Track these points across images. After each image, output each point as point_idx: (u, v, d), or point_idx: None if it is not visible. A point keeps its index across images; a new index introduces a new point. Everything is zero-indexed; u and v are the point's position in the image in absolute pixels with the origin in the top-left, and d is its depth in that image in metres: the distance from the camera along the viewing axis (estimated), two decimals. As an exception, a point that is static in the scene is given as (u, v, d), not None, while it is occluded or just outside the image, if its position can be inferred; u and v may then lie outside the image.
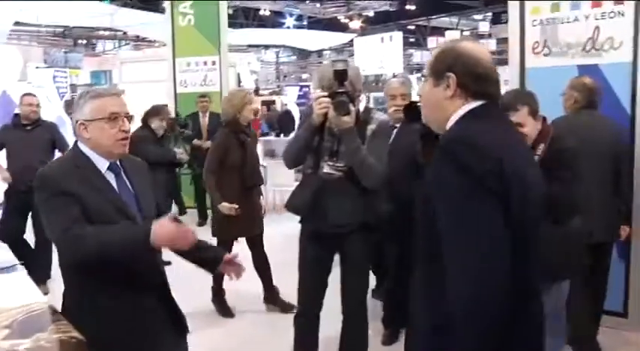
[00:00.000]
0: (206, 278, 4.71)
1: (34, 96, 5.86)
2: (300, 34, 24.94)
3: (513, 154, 1.72)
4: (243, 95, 4.87)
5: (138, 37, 24.63)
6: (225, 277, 2.74)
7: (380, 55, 22.18)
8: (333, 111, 2.88)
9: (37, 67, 16.76)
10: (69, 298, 2.20)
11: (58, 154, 5.62)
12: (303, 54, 31.98)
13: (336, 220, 3.13)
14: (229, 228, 4.65)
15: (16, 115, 5.79)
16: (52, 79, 12.77)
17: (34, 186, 2.20)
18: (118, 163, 2.32)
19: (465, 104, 1.78)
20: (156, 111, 6.02)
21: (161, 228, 2.05)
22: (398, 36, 22.25)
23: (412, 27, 26.91)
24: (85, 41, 27.95)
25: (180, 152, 6.30)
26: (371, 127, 3.11)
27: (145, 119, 6.08)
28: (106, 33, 26.25)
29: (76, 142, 2.31)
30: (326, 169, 3.10)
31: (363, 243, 3.20)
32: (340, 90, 2.85)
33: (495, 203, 1.62)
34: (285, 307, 4.87)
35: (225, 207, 4.56)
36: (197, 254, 2.51)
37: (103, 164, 2.26)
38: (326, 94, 2.91)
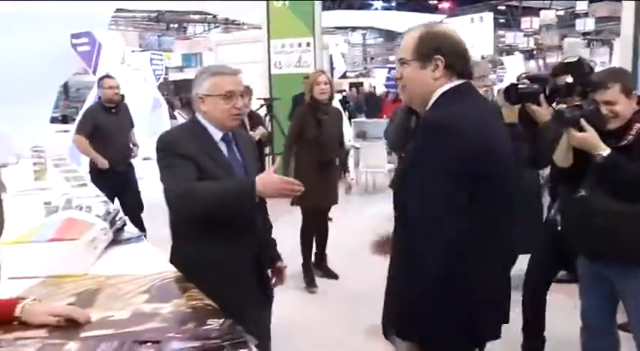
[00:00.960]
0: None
1: (114, 78, 6.04)
2: (388, 15, 24.73)
3: (491, 132, 1.89)
4: (312, 74, 5.22)
5: (227, 19, 25.09)
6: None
7: (469, 37, 21.66)
8: None
9: (132, 51, 17.40)
10: (175, 256, 2.42)
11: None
12: (390, 36, 31.69)
13: None
14: (303, 198, 4.75)
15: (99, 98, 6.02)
16: (148, 62, 13.20)
17: (156, 148, 2.43)
18: (230, 134, 2.52)
19: (449, 83, 1.91)
20: None
21: (266, 177, 2.23)
22: (488, 17, 21.69)
23: (503, 7, 26.15)
24: (176, 25, 28.76)
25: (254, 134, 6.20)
26: None
27: None
28: (197, 17, 26.90)
29: (194, 113, 2.53)
30: None
31: None
32: None
33: (461, 184, 1.78)
34: (329, 275, 5.33)
35: None
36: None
37: (217, 135, 2.46)
38: None
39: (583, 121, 2.59)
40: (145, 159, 10.11)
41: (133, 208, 5.63)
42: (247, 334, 1.65)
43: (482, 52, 21.32)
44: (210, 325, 1.69)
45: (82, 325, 1.73)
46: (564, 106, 2.74)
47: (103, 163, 5.69)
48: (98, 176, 5.67)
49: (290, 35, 8.64)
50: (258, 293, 2.53)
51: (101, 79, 6.11)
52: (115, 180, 5.69)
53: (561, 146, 2.77)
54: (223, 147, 2.48)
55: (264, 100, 7.56)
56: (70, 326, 1.72)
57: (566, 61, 3.06)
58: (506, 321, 2.05)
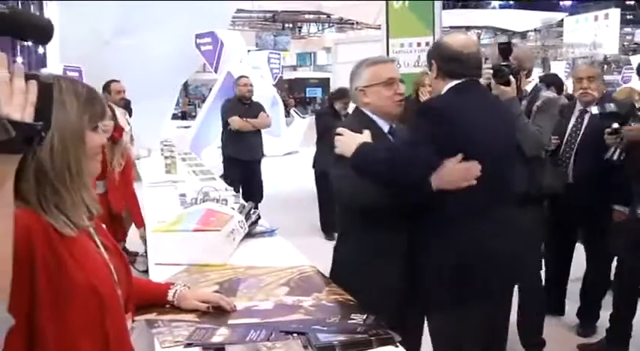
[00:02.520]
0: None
1: (248, 78, 6.83)
2: (507, 14, 24.00)
3: (475, 123, 2.20)
4: (419, 75, 5.45)
5: (341, 19, 25.29)
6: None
7: (592, 35, 20.68)
8: (492, 79, 3.05)
9: (248, 51, 17.90)
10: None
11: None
12: (505, 36, 30.80)
13: None
14: None
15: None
16: (266, 61, 13.48)
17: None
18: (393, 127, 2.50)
19: (447, 83, 2.30)
20: (341, 94, 6.37)
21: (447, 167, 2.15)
22: (615, 13, 20.59)
23: (631, 2, 24.70)
24: (291, 25, 29.32)
25: None
26: (537, 103, 3.30)
27: (330, 100, 6.64)
28: (311, 16, 27.30)
29: (357, 107, 2.52)
30: None
31: (528, 213, 3.24)
32: (503, 63, 3.09)
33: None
34: None
35: None
36: None
37: (385, 127, 2.45)
38: (489, 65, 3.11)
39: None
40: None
41: (254, 197, 5.91)
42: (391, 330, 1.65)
43: (606, 52, 20.32)
44: (355, 319, 1.71)
45: (229, 313, 1.80)
46: None
47: (268, 121, 6.61)
48: (231, 164, 6.38)
49: (409, 34, 8.54)
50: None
51: (238, 78, 6.92)
52: (246, 169, 6.36)
53: None
54: (391, 139, 2.48)
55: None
56: (217, 313, 1.79)
57: None
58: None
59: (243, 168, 6.38)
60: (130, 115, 6.30)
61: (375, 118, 2.44)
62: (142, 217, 4.05)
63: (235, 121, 6.44)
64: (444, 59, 2.32)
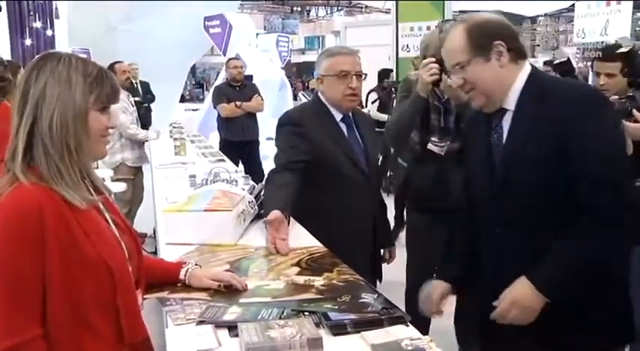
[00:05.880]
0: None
1: (239, 59, 6.82)
2: (516, -2, 23.70)
3: None
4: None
5: (350, 3, 25.12)
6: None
7: (604, 21, 20.42)
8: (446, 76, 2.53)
9: (257, 34, 17.80)
10: None
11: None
12: (515, 20, 30.51)
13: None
14: None
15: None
16: (275, 44, 13.41)
17: (278, 123, 2.61)
18: (351, 116, 2.61)
19: (520, 69, 1.77)
20: None
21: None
22: (627, -2, 20.34)
23: (644, -12, 24.43)
24: (299, 8, 29.12)
25: None
26: None
27: None
28: (320, 0, 27.09)
29: (317, 92, 2.66)
30: (430, 147, 2.87)
31: None
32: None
33: None
34: None
35: None
36: None
37: (337, 115, 2.57)
38: (434, 59, 2.56)
39: (636, 112, 2.52)
40: (268, 139, 10.37)
41: (255, 177, 5.92)
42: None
43: (617, 38, 20.04)
44: (365, 298, 1.71)
45: (240, 292, 1.81)
46: (616, 97, 2.69)
47: (259, 105, 6.52)
48: (226, 147, 6.32)
49: (419, 18, 8.48)
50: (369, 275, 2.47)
51: (228, 60, 6.88)
52: (242, 150, 6.39)
53: None
54: (344, 128, 2.58)
55: (392, 83, 7.53)
56: (229, 292, 1.80)
57: (618, 51, 3.01)
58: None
59: (239, 150, 6.36)
60: (153, 100, 6.32)
61: (329, 106, 2.55)
62: None
63: (224, 109, 6.42)
64: (511, 36, 1.79)
